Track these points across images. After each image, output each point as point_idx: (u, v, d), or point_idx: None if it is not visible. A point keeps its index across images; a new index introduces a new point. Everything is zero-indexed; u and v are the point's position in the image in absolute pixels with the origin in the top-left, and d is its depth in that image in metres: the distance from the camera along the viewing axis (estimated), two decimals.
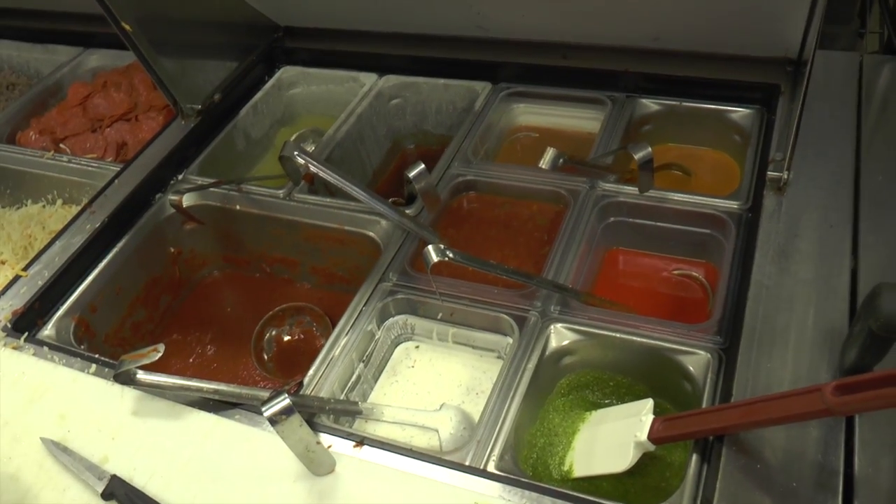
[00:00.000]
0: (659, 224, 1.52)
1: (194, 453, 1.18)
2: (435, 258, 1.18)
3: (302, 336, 1.71)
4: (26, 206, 1.96)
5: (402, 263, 1.47)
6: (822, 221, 1.33)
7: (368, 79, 1.98)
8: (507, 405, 1.20)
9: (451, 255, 1.18)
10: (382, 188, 2.00)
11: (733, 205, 1.46)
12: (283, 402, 1.00)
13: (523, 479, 1.08)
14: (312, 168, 1.44)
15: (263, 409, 1.00)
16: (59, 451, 1.21)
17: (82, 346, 1.50)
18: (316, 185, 1.71)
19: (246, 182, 1.72)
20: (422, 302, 1.42)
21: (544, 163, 1.36)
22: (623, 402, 1.33)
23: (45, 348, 1.41)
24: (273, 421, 1.00)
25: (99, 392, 1.30)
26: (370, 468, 1.11)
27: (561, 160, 1.36)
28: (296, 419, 1.01)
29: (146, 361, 1.22)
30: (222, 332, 1.75)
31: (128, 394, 1.28)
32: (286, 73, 2.08)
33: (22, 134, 2.10)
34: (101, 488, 1.14)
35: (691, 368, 1.23)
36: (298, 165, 1.47)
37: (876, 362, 1.04)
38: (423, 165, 1.41)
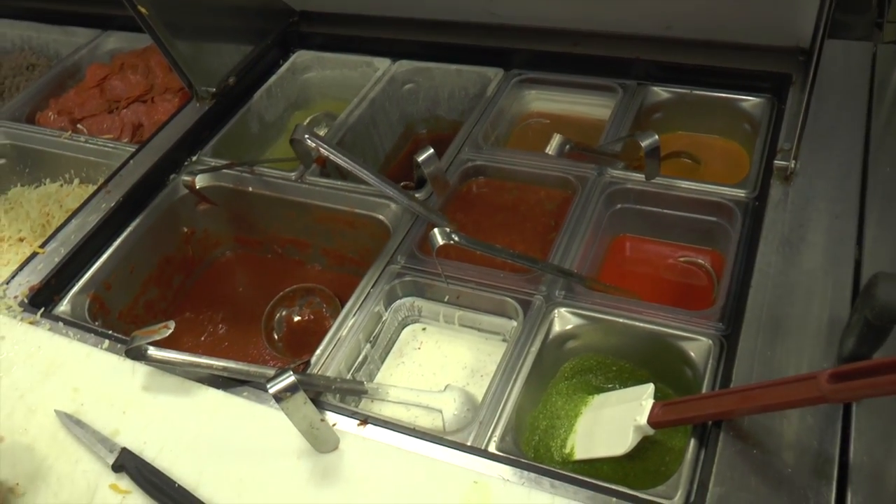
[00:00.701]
0: (666, 211, 1.53)
1: (202, 428, 1.21)
2: (441, 241, 1.19)
3: (312, 317, 1.73)
4: (45, 184, 2.00)
5: (410, 246, 1.48)
6: (828, 211, 1.34)
7: (382, 63, 1.99)
8: (509, 387, 1.21)
9: (456, 239, 1.20)
10: (394, 172, 2.01)
11: (740, 193, 1.47)
12: (288, 379, 1.02)
13: (523, 460, 1.09)
14: (323, 151, 1.45)
15: (268, 385, 1.02)
16: (72, 423, 1.24)
17: (97, 323, 1.54)
18: (328, 169, 1.73)
19: (259, 164, 1.75)
20: (429, 285, 1.44)
21: (550, 149, 1.37)
22: (625, 386, 1.34)
23: (61, 324, 1.44)
24: (278, 398, 1.02)
25: (111, 367, 1.34)
26: (373, 446, 1.13)
27: (567, 147, 1.37)
28: (300, 397, 1.03)
29: (157, 338, 1.24)
30: (234, 312, 1.78)
31: (139, 369, 1.31)
32: (301, 57, 2.10)
33: (41, 114, 2.13)
34: (111, 460, 1.17)
35: (692, 354, 1.25)
36: (310, 149, 1.49)
37: (873, 351, 1.04)
38: (432, 150, 1.42)
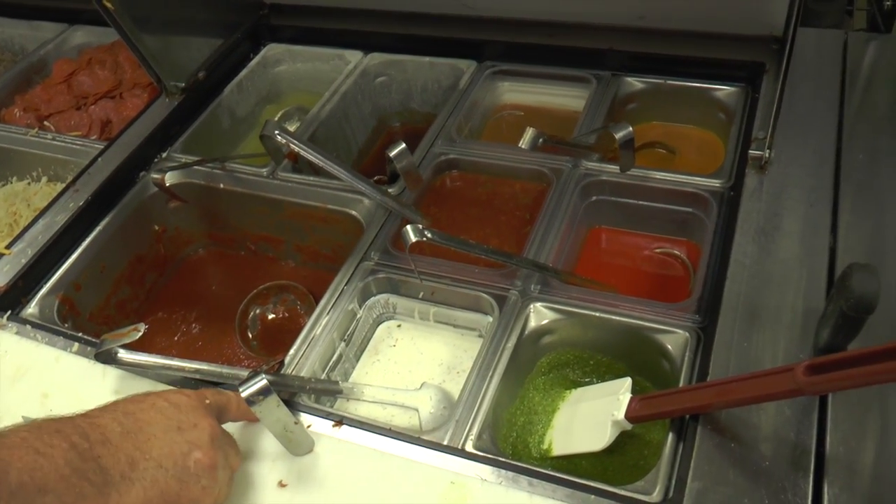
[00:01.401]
0: (641, 203, 1.52)
1: None
2: (413, 238, 1.18)
3: (286, 314, 1.71)
4: (11, 183, 1.95)
5: (384, 242, 1.47)
6: (803, 200, 1.34)
7: (353, 56, 1.96)
8: (485, 384, 1.20)
9: (429, 236, 1.18)
10: (368, 167, 1.99)
11: (715, 183, 1.46)
12: (261, 382, 1.00)
13: (500, 459, 1.08)
14: (293, 147, 1.43)
15: (241, 388, 1.00)
16: None
17: (66, 325, 1.51)
18: (300, 164, 1.70)
19: (229, 160, 1.72)
20: (403, 281, 1.42)
21: (524, 143, 1.35)
22: (603, 380, 1.34)
23: (28, 327, 1.41)
24: (250, 401, 1.00)
25: (81, 371, 1.31)
26: (349, 448, 1.12)
27: (541, 140, 1.35)
28: (273, 399, 1.01)
29: (127, 340, 1.22)
30: (207, 310, 1.76)
31: (110, 373, 1.29)
32: (271, 50, 2.07)
33: (6, 111, 2.09)
34: None
35: (669, 347, 1.24)
36: (280, 144, 1.47)
37: (848, 342, 1.05)
38: (403, 144, 1.40)
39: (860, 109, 1.50)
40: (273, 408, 1.02)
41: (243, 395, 1.00)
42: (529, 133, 1.35)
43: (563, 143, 1.43)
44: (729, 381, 1.02)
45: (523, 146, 1.36)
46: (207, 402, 1.04)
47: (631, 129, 1.35)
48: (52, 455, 0.84)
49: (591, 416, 1.20)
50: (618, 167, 1.50)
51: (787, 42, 1.28)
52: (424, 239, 1.17)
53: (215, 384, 1.24)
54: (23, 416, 1.24)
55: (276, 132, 1.43)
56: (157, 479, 0.93)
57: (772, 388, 0.95)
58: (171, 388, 1.20)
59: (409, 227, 1.18)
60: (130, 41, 1.70)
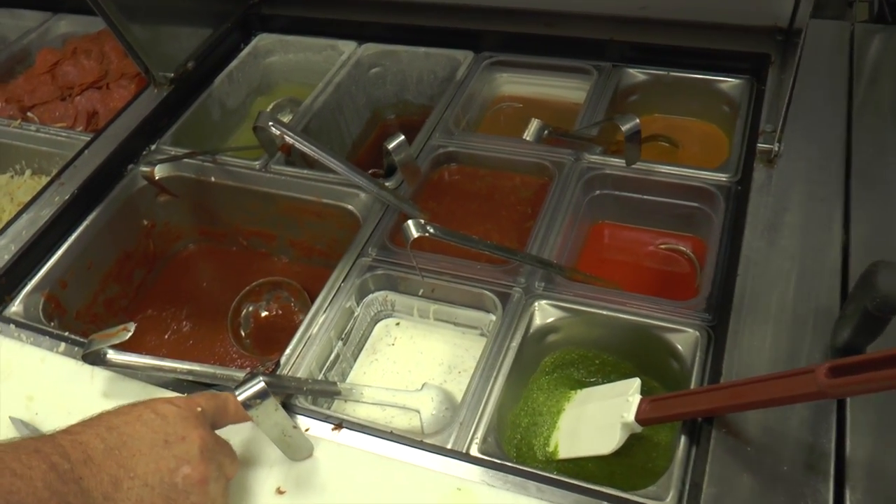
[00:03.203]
0: (645, 197, 1.48)
1: None
2: (415, 234, 1.13)
3: (280, 312, 1.67)
4: None
5: (381, 238, 1.42)
6: (813, 195, 1.30)
7: (347, 47, 1.91)
8: (490, 385, 1.16)
9: (431, 231, 1.14)
10: (362, 159, 1.94)
11: (722, 177, 1.43)
12: (258, 385, 0.96)
13: (507, 464, 1.04)
14: (288, 139, 1.38)
15: (237, 392, 0.96)
16: (28, 431, 1.17)
17: (52, 324, 1.45)
18: (293, 157, 1.66)
19: (221, 153, 1.67)
20: (402, 278, 1.38)
21: (528, 135, 1.31)
22: (608, 380, 1.30)
23: (12, 326, 1.36)
24: (247, 405, 0.96)
25: (68, 372, 1.26)
26: (349, 452, 1.07)
27: (546, 132, 1.31)
28: (271, 403, 0.97)
29: (116, 341, 1.17)
30: (198, 308, 1.71)
31: (98, 374, 1.24)
32: (262, 40, 2.01)
33: None
34: None
35: (679, 347, 1.20)
36: (274, 136, 1.42)
37: (869, 342, 1.01)
38: (402, 137, 1.36)
39: (868, 102, 1.46)
40: (271, 412, 0.98)
41: (239, 398, 0.96)
42: (534, 125, 1.31)
43: (569, 136, 1.39)
44: (746, 383, 0.98)
45: (528, 138, 1.31)
46: (199, 409, 0.99)
47: (638, 121, 1.32)
48: (30, 477, 0.79)
49: (599, 417, 1.16)
50: (621, 160, 1.46)
51: (797, 33, 1.24)
52: (427, 234, 1.13)
53: (208, 386, 1.20)
54: (10, 417, 1.19)
55: (271, 123, 1.38)
56: (142, 498, 0.88)
57: (792, 390, 0.91)
58: (160, 396, 1.14)
59: (410, 223, 1.13)
60: (117, 30, 1.64)
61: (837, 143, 1.38)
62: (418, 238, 1.15)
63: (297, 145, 1.38)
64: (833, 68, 1.53)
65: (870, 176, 1.32)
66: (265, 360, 1.28)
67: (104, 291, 1.64)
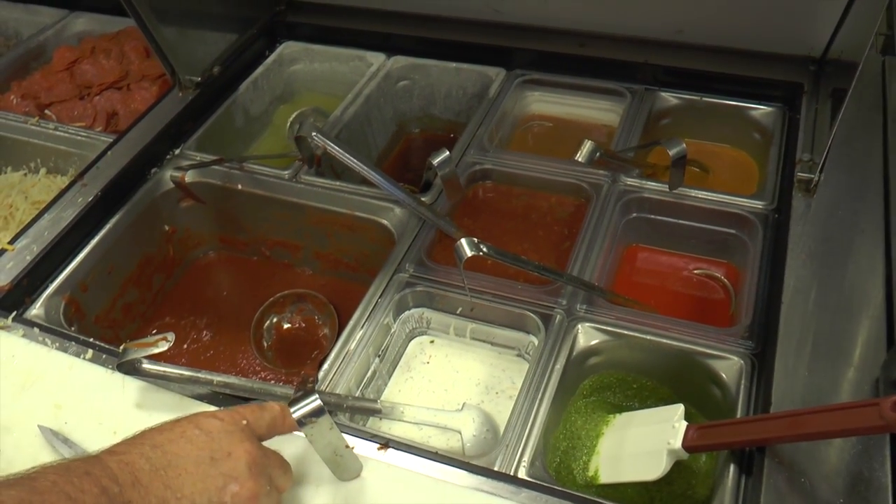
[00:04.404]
0: (681, 222, 1.48)
1: None
2: (469, 252, 1.11)
3: (303, 324, 1.64)
4: (6, 173, 1.85)
5: (418, 254, 1.40)
6: (853, 226, 1.30)
7: (376, 59, 1.90)
8: (535, 407, 1.15)
9: (484, 250, 1.12)
10: (386, 172, 1.92)
11: (758, 205, 1.43)
12: (314, 402, 0.93)
13: (559, 488, 1.03)
14: (330, 150, 1.36)
15: (292, 409, 0.93)
16: (58, 441, 1.13)
17: (72, 328, 1.41)
18: (323, 167, 1.64)
19: (250, 160, 1.64)
20: (440, 295, 1.36)
21: (581, 156, 1.30)
22: (645, 404, 1.29)
23: (36, 329, 1.31)
24: (301, 422, 0.93)
25: (98, 381, 1.22)
26: (397, 473, 1.05)
27: (598, 154, 1.30)
28: (326, 421, 0.94)
29: (153, 351, 1.13)
30: (218, 317, 1.67)
31: (130, 383, 1.20)
32: (288, 48, 1.99)
33: (2, 97, 1.98)
34: None
35: (723, 374, 1.20)
36: (314, 147, 1.40)
37: None
38: (447, 152, 1.34)
39: None
40: (325, 430, 0.95)
41: (295, 415, 0.93)
42: (587, 146, 1.30)
43: (618, 159, 1.38)
44: (802, 413, 0.97)
45: (580, 159, 1.30)
46: (245, 422, 0.95)
47: (684, 145, 1.31)
48: (83, 501, 0.77)
49: (643, 443, 1.14)
50: (658, 184, 1.46)
51: (829, 62, 1.24)
52: (480, 253, 1.11)
53: (245, 400, 1.17)
54: (39, 426, 1.15)
55: (314, 134, 1.36)
56: None
57: (854, 422, 0.90)
58: (202, 410, 1.09)
59: (464, 241, 1.11)
60: (148, 31, 1.62)
61: (875, 174, 1.38)
62: (472, 257, 1.13)
63: (339, 157, 1.36)
64: (868, 100, 1.54)
65: None
66: (306, 377, 1.25)
67: (123, 296, 1.61)
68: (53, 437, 1.14)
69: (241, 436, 0.93)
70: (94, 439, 1.14)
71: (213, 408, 1.15)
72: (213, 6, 1.83)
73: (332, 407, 1.15)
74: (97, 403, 1.19)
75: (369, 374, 1.29)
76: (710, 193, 1.46)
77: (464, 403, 1.24)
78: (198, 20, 1.78)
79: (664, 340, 1.24)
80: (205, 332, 1.64)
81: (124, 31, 2.09)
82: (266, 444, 0.99)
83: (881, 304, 1.18)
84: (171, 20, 1.67)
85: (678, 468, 1.16)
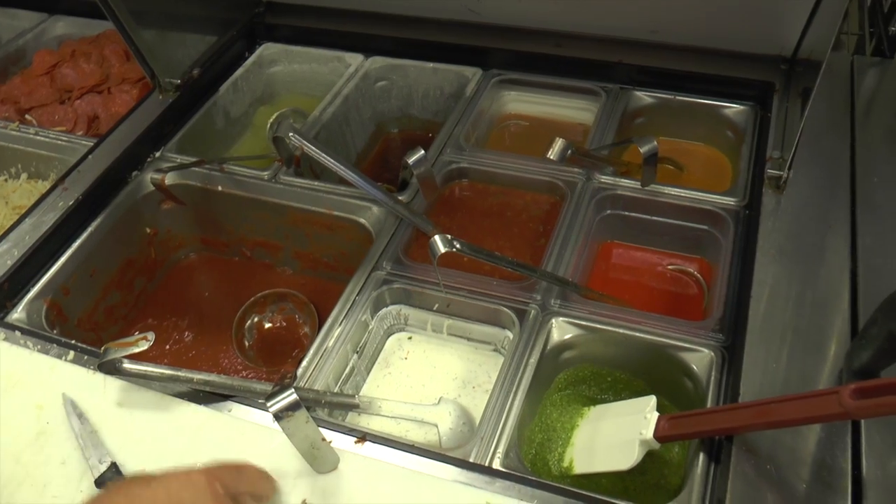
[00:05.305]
0: (655, 218, 1.51)
1: (185, 448, 1.12)
2: (442, 249, 1.13)
3: (284, 324, 1.66)
4: None
5: (395, 252, 1.42)
6: (821, 221, 1.33)
7: (354, 59, 1.92)
8: (510, 400, 1.17)
9: (458, 247, 1.14)
10: (366, 172, 1.93)
11: (730, 201, 1.46)
12: (290, 396, 0.95)
13: (533, 478, 1.05)
14: (307, 150, 1.38)
15: (268, 403, 0.95)
16: (73, 415, 1.17)
17: (55, 331, 1.42)
18: (302, 168, 1.65)
19: (230, 161, 1.66)
20: (417, 292, 1.38)
21: (553, 153, 1.32)
22: (620, 397, 1.32)
23: (17, 333, 1.33)
24: (278, 417, 0.95)
25: (79, 381, 1.23)
26: (374, 465, 1.07)
27: (569, 151, 1.33)
28: (302, 415, 0.96)
29: (134, 350, 1.15)
30: (199, 318, 1.69)
31: (111, 383, 1.22)
32: (267, 49, 2.01)
33: None
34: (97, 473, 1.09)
35: (694, 366, 1.22)
36: (292, 147, 1.42)
37: (887, 366, 1.04)
38: (422, 151, 1.36)
39: (870, 133, 1.50)
40: (302, 424, 0.98)
41: (271, 410, 0.95)
42: (559, 143, 1.32)
43: (590, 156, 1.41)
44: (768, 403, 1.00)
45: (552, 157, 1.33)
46: (221, 492, 0.90)
47: (656, 143, 1.34)
48: None
49: (616, 434, 1.17)
50: (632, 181, 1.48)
51: (800, 62, 1.27)
52: (454, 250, 1.14)
53: (226, 397, 1.18)
54: (63, 394, 1.19)
55: (292, 134, 1.37)
56: None
57: (816, 410, 0.93)
58: (175, 471, 0.92)
59: (437, 238, 1.14)
60: (127, 34, 1.63)
61: (843, 172, 1.42)
62: (443, 254, 1.15)
63: (315, 156, 1.38)
64: (836, 98, 1.57)
65: (875, 204, 1.35)
66: (284, 373, 1.27)
67: (105, 299, 1.62)
68: (72, 408, 1.17)
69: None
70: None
71: (194, 405, 1.17)
72: (192, 8, 1.84)
73: (311, 402, 1.16)
74: (79, 403, 1.20)
75: (347, 370, 1.31)
76: (682, 190, 1.48)
77: (440, 398, 1.27)
78: (177, 22, 1.79)
79: (637, 334, 1.26)
80: (187, 333, 1.65)
81: (104, 35, 2.10)
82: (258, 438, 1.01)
83: (847, 298, 1.21)
84: (150, 23, 1.68)
85: (651, 459, 1.19)
